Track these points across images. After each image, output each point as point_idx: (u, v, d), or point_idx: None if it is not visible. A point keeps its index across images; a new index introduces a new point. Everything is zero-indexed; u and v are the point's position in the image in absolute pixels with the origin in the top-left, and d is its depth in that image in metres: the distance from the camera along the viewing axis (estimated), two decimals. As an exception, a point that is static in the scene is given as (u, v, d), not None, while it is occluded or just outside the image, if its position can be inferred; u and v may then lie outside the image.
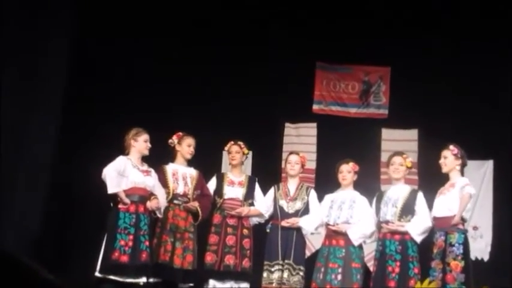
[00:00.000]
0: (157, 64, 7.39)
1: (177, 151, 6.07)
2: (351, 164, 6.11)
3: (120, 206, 5.50)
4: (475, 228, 6.09)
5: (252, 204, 6.23)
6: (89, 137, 7.10)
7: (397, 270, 5.64)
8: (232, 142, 6.33)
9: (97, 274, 5.39)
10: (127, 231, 5.43)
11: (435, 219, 5.69)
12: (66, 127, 6.75)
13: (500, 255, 6.95)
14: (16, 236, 5.98)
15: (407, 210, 5.79)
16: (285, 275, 5.91)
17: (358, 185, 6.18)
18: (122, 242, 5.39)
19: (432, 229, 5.71)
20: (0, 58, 5.78)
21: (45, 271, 1.00)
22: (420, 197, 5.86)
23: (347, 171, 6.09)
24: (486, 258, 7.06)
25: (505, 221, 7.02)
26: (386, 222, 5.79)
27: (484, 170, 7.22)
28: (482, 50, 7.13)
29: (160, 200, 5.71)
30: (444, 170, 5.80)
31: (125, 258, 5.37)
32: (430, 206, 5.78)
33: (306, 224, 6.06)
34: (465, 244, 5.53)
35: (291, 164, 6.27)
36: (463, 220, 5.61)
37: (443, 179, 5.85)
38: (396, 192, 5.91)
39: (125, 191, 5.52)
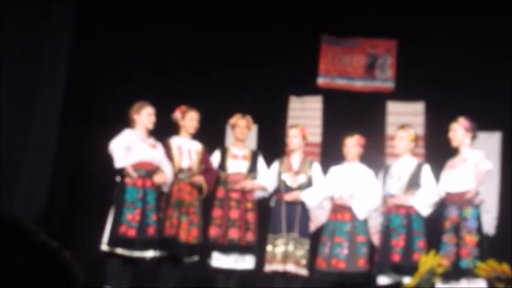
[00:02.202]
0: (161, 37, 7.33)
1: (181, 125, 6.04)
2: (356, 137, 6.07)
3: (127, 180, 5.49)
4: (481, 202, 6.01)
5: (255, 178, 6.21)
6: (93, 110, 7.07)
7: (401, 244, 5.63)
8: (239, 115, 6.28)
9: (104, 248, 5.40)
10: (134, 205, 5.44)
11: (448, 194, 5.66)
12: (70, 101, 6.70)
13: (506, 229, 6.94)
14: (22, 213, 5.97)
15: (413, 183, 5.77)
16: (290, 248, 5.90)
17: (363, 159, 6.16)
18: (129, 216, 5.40)
19: (442, 203, 5.69)
20: (2, 37, 5.73)
21: (42, 233, 0.98)
22: (426, 170, 5.83)
23: (352, 144, 6.06)
24: (492, 232, 7.05)
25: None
26: (392, 196, 5.78)
27: (491, 142, 7.17)
28: (490, 21, 7.05)
29: (167, 174, 5.70)
30: (454, 143, 5.75)
31: (132, 233, 5.38)
32: (438, 180, 5.76)
33: (309, 197, 6.04)
34: (479, 218, 5.53)
35: (290, 139, 6.25)
36: (476, 194, 5.60)
37: (451, 151, 5.82)
38: (402, 166, 5.88)
39: (131, 165, 5.50)
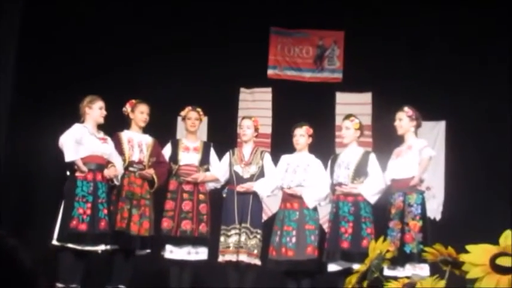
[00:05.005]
0: (111, 29, 7.28)
1: (131, 119, 6.04)
2: (305, 127, 6.14)
3: (77, 174, 5.48)
4: (427, 188, 6.22)
5: (207, 170, 6.25)
6: (42, 105, 7.00)
7: (349, 231, 5.74)
8: (190, 107, 6.30)
9: (54, 242, 5.38)
10: (85, 199, 5.43)
11: (393, 181, 5.80)
12: (19, 94, 6.63)
13: (451, 214, 7.15)
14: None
15: (360, 172, 5.89)
16: (242, 238, 5.95)
17: (313, 149, 6.25)
18: (80, 210, 5.39)
19: (389, 190, 5.83)
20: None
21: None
22: (372, 158, 5.96)
23: (300, 134, 6.13)
24: (438, 217, 7.26)
25: (456, 181, 7.20)
26: (340, 184, 5.89)
27: (436, 131, 7.36)
28: (435, 12, 7.20)
29: (118, 167, 5.70)
30: (399, 131, 5.90)
31: (83, 227, 5.37)
32: (385, 168, 5.90)
33: (261, 188, 6.10)
34: (423, 204, 5.68)
35: (243, 129, 6.29)
36: (421, 181, 5.76)
37: (398, 140, 5.95)
38: (349, 155, 6.00)
39: (82, 159, 5.49)
